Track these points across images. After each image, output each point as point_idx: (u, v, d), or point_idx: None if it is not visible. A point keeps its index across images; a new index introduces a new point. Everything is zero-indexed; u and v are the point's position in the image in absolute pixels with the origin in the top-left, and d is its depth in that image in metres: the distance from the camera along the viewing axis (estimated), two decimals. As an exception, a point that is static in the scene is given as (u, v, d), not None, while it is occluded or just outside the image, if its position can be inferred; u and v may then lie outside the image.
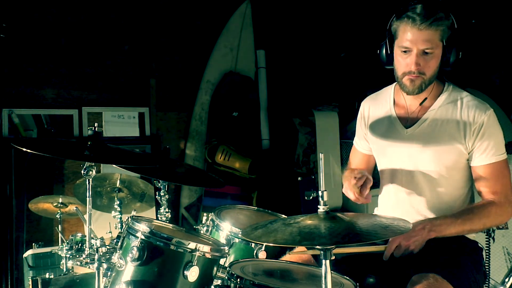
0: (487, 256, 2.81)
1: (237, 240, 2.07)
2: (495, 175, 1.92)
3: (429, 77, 1.91)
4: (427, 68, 1.89)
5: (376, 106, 2.18)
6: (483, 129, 1.91)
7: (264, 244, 1.95)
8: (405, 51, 1.90)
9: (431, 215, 1.99)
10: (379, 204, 2.21)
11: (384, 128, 2.11)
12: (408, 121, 2.05)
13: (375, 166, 2.26)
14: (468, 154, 1.95)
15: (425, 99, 1.98)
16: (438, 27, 1.85)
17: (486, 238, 2.80)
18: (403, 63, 1.92)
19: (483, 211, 1.90)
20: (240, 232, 2.03)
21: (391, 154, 2.08)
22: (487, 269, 2.86)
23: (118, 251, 1.78)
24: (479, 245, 2.03)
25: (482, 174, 1.94)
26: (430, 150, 1.97)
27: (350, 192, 1.99)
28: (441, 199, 2.00)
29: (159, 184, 2.37)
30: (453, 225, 1.87)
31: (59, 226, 3.43)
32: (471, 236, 2.01)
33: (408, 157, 2.02)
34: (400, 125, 2.05)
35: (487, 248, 2.78)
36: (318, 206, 1.42)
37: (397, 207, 2.08)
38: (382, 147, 2.12)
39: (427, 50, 1.87)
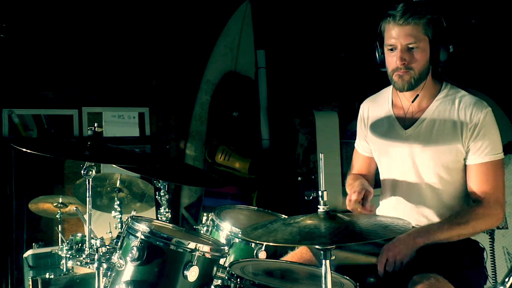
0: (491, 257, 2.79)
1: (237, 240, 2.07)
2: (487, 175, 1.91)
3: (418, 72, 1.91)
4: (414, 62, 1.90)
5: (375, 107, 2.18)
6: (479, 128, 1.90)
7: (264, 244, 1.95)
8: (391, 49, 1.93)
9: (431, 214, 2.00)
10: (380, 204, 2.21)
11: (384, 129, 2.11)
12: (406, 122, 2.05)
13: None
14: (465, 153, 1.95)
15: (417, 96, 1.98)
16: (418, 20, 1.87)
17: (490, 239, 2.78)
18: (391, 61, 1.94)
19: (470, 214, 1.89)
20: (240, 232, 2.03)
21: (391, 155, 2.08)
22: (492, 270, 2.85)
23: (118, 251, 1.78)
24: (480, 245, 2.02)
25: (475, 173, 1.92)
26: (430, 150, 1.97)
27: (353, 208, 1.99)
28: (441, 199, 1.99)
29: (159, 184, 2.37)
30: (440, 230, 1.86)
31: (59, 226, 3.43)
32: (473, 237, 2.01)
33: (408, 157, 2.02)
34: (399, 126, 2.05)
35: (491, 249, 2.76)
36: (318, 206, 1.42)
37: (398, 206, 2.08)
38: (383, 148, 2.12)
39: (410, 45, 1.88)
